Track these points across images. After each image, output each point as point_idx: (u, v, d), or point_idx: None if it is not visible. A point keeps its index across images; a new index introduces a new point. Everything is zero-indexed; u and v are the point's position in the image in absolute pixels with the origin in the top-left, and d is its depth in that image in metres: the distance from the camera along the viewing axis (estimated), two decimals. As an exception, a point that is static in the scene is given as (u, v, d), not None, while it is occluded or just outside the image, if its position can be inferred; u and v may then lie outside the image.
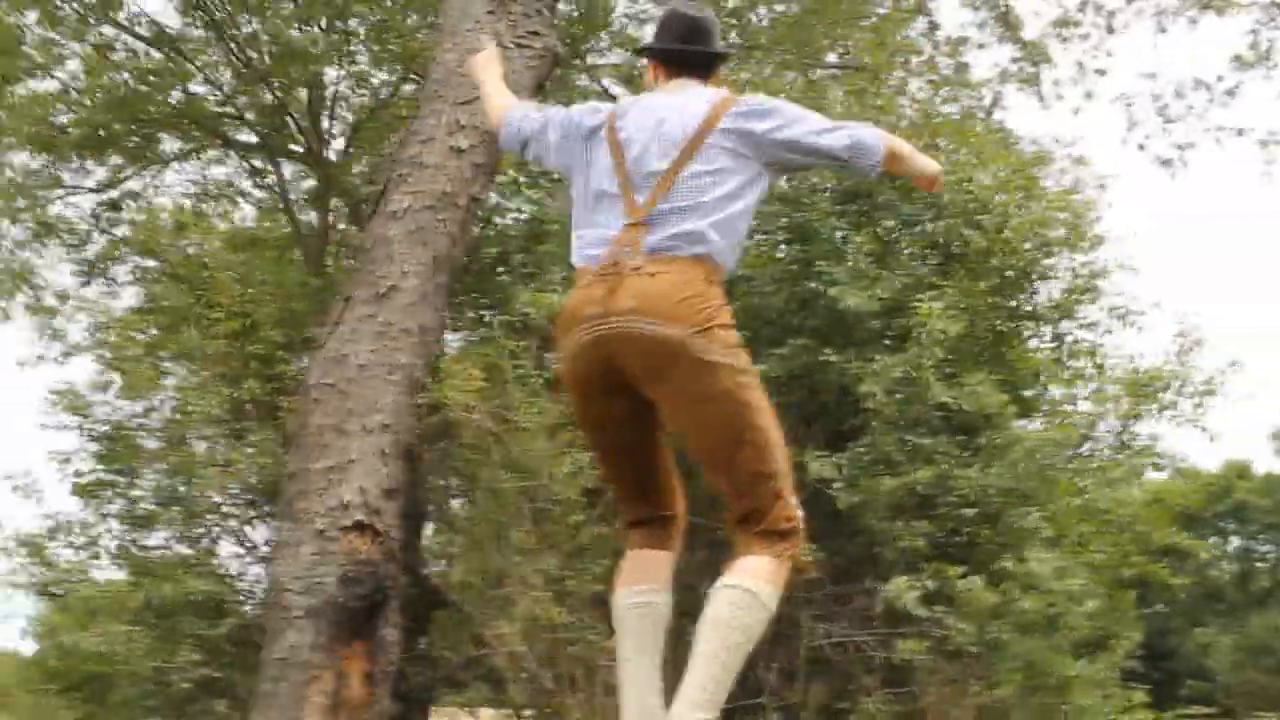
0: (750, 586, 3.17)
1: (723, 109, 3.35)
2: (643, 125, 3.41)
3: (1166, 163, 13.78)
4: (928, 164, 3.54)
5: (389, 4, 11.18)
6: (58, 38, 11.13)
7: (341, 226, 11.82)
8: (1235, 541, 32.72)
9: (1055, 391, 8.25)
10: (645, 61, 3.74)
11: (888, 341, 7.42)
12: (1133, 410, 7.83)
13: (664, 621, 3.41)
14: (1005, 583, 6.45)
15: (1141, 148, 13.67)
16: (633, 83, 12.33)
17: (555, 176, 10.53)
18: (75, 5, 10.95)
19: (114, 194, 11.60)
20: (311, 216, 11.77)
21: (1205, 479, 31.02)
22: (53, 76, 11.38)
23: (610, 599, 3.49)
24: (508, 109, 3.92)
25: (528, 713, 6.86)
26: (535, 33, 8.58)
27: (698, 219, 3.21)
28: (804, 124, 3.35)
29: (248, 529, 8.46)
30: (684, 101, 3.48)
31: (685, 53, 3.57)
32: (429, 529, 8.71)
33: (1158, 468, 8.06)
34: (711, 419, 3.15)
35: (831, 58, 13.80)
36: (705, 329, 3.10)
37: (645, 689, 3.41)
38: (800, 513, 3.28)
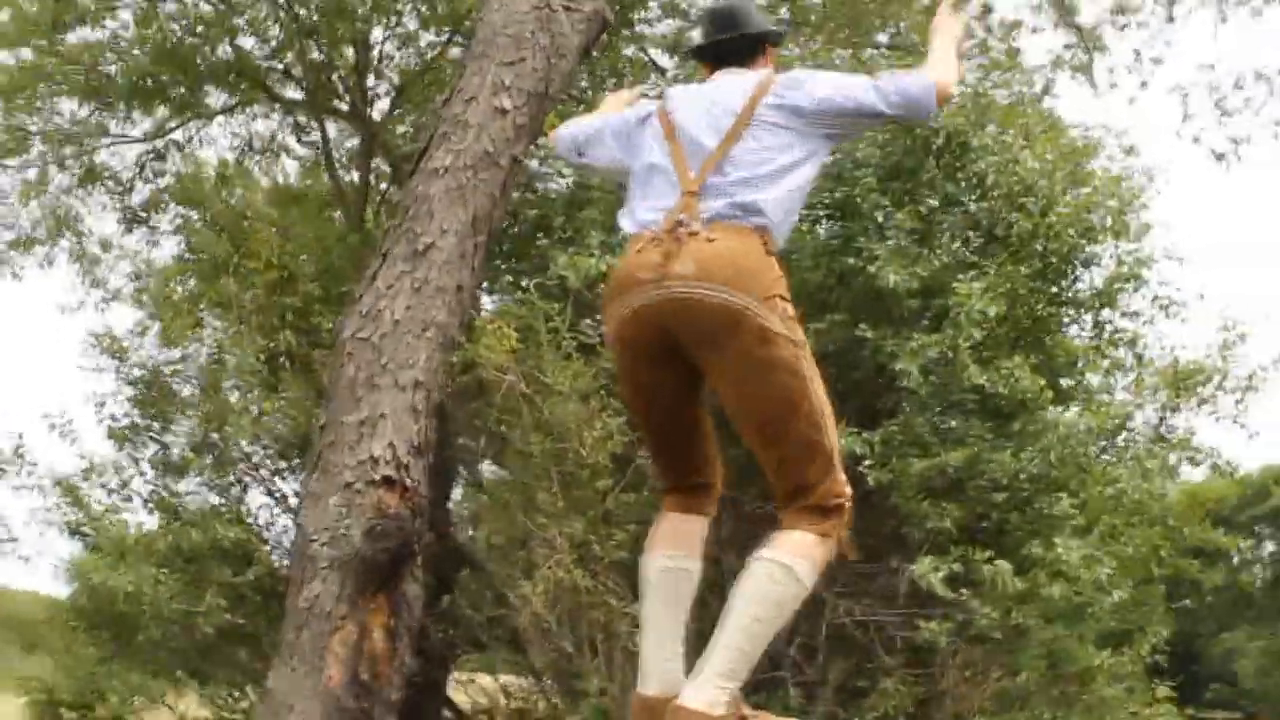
0: (787, 561, 3.13)
1: (766, 87, 3.37)
2: (694, 106, 3.44)
3: (1220, 156, 13.59)
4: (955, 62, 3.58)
5: (439, -36, 11.17)
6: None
7: (383, 186, 11.85)
8: (1270, 546, 32.25)
9: (1093, 379, 8.13)
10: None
11: (925, 321, 7.35)
12: (1171, 402, 7.74)
13: (691, 588, 3.40)
14: (1033, 569, 6.38)
15: (1196, 140, 13.49)
16: (679, 52, 12.26)
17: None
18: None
19: (159, 144, 11.70)
20: (354, 175, 11.81)
21: (1242, 480, 30.47)
22: (103, 26, 11.45)
23: (639, 562, 3.48)
24: (568, 122, 3.97)
25: (547, 676, 6.87)
26: (584, -4, 8.59)
27: (753, 192, 3.19)
28: (845, 87, 3.35)
29: (278, 479, 8.51)
30: (731, 84, 3.49)
31: (720, 44, 3.59)
32: (458, 490, 8.72)
33: (1194, 463, 7.97)
34: (769, 388, 3.11)
35: (882, 37, 13.69)
36: (767, 298, 3.07)
37: (667, 653, 3.39)
38: (849, 490, 3.24)
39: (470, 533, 8.00)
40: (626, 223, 3.40)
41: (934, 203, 7.76)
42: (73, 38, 11.44)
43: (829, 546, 3.20)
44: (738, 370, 3.13)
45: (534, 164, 9.95)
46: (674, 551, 3.41)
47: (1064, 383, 7.95)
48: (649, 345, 3.24)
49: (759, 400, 3.14)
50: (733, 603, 3.20)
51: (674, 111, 3.48)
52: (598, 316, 8.18)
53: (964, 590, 6.28)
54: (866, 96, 3.30)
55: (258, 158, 12.02)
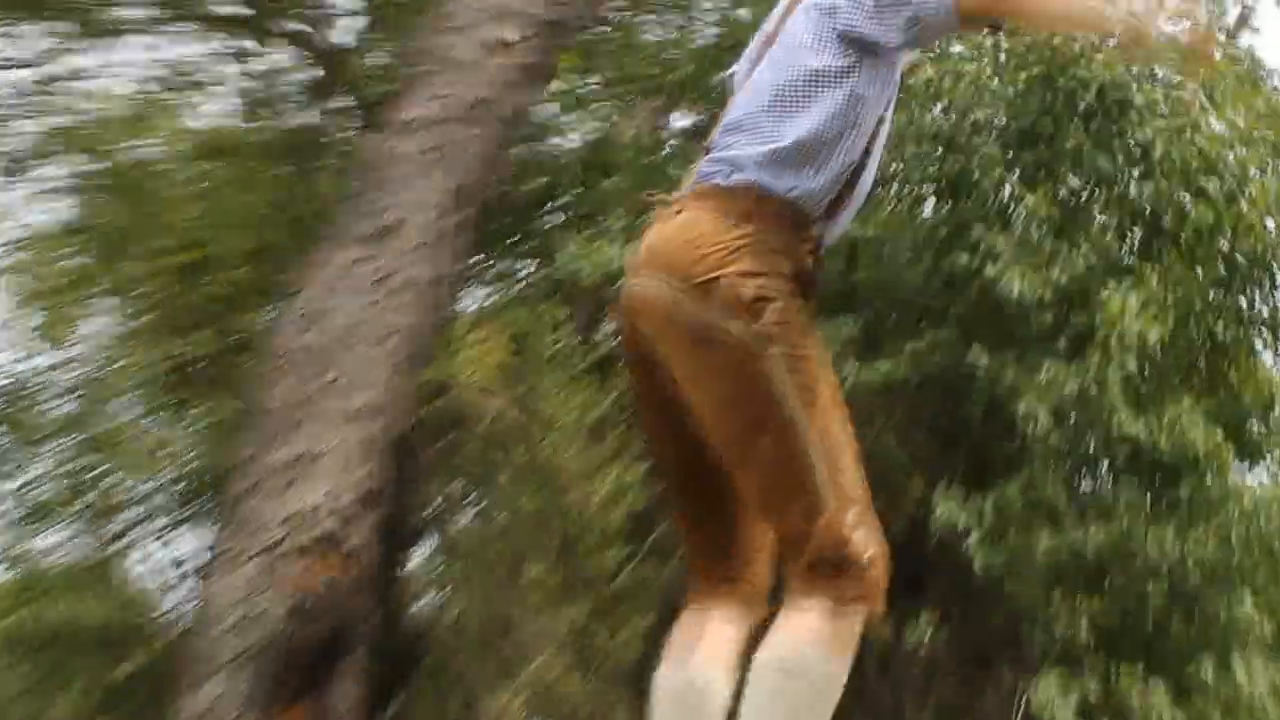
0: (794, 659, 3.02)
1: None
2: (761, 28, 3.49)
3: None
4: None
5: None
6: None
7: (345, 134, 11.84)
8: None
9: (1294, 430, 7.94)
10: None
11: (1061, 345, 7.21)
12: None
13: (719, 716, 3.22)
14: (1199, 697, 6.23)
15: None
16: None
17: (628, 89, 10.48)
18: None
19: (52, 70, 11.72)
20: (307, 118, 11.81)
21: None
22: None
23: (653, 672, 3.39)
24: None
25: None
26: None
27: (750, 136, 3.21)
28: None
29: (175, 534, 8.50)
30: None
31: None
32: (421, 554, 8.67)
33: None
34: (715, 400, 3.11)
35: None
36: (705, 280, 3.06)
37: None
38: (868, 540, 3.07)
39: (435, 612, 7.93)
40: None
41: (1078, 182, 7.63)
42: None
43: (855, 617, 3.04)
44: (683, 376, 3.14)
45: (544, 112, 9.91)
46: (695, 662, 3.26)
47: (1253, 433, 7.73)
48: (637, 361, 3.29)
49: (707, 414, 3.13)
50: None
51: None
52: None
53: (1103, 721, 6.16)
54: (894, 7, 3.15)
55: (180, 93, 12.03)
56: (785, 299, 3.08)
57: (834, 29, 3.21)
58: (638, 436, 7.01)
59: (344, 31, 11.98)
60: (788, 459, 3.06)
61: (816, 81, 3.21)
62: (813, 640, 3.00)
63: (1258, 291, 7.93)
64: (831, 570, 3.02)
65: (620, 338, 3.37)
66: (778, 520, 3.12)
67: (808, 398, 3.08)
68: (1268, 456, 7.90)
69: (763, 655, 3.05)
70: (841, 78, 3.22)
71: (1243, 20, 13.29)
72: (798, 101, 3.21)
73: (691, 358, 3.10)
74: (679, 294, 3.07)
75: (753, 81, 3.32)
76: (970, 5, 3.11)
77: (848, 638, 3.04)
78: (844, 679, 3.02)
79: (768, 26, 3.45)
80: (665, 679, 3.33)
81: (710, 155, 3.26)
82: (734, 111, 3.31)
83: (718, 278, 3.05)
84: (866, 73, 3.29)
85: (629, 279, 3.23)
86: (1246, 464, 7.83)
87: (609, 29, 10.85)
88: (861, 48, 3.25)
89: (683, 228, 3.14)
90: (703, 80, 10.19)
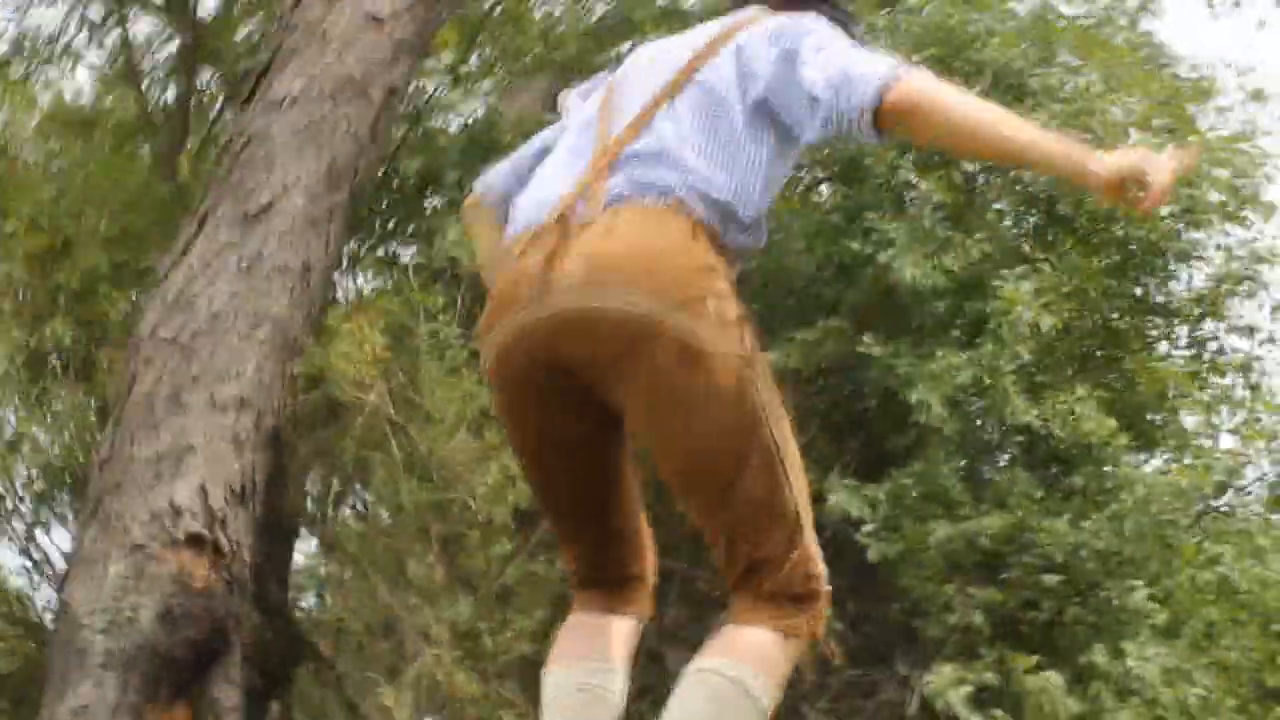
0: (736, 673, 3.07)
1: (741, 26, 3.30)
2: (641, 59, 3.46)
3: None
4: (1052, 147, 2.89)
5: None
6: None
7: (211, 114, 11.77)
8: None
9: (1188, 419, 8.22)
10: None
11: (955, 333, 7.47)
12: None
13: (614, 713, 3.33)
14: (1095, 683, 6.48)
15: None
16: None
17: (513, 67, 10.55)
18: None
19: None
20: (169, 95, 11.73)
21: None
22: None
23: (542, 672, 3.46)
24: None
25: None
26: None
27: (674, 166, 3.14)
28: (816, 53, 3.14)
29: (37, 533, 8.44)
30: (705, 28, 3.44)
31: None
32: (299, 554, 8.69)
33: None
34: (701, 429, 3.06)
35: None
36: (693, 300, 3.01)
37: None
38: (824, 570, 3.21)
39: (314, 614, 7.95)
40: (509, 230, 3.37)
41: (973, 167, 7.84)
42: None
43: (797, 648, 3.13)
44: (654, 405, 3.09)
45: (421, 88, 9.94)
46: (587, 663, 3.35)
47: (1147, 422, 8.06)
48: (542, 385, 3.20)
49: (688, 447, 3.10)
50: None
51: (621, 71, 3.48)
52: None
53: (998, 711, 6.36)
54: (811, 70, 3.11)
55: (29, 64, 11.89)
56: (750, 322, 3.10)
57: (755, 98, 3.20)
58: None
59: (211, 1, 11.93)
60: (771, 488, 3.07)
61: (743, 144, 3.17)
62: (762, 661, 3.06)
63: (1151, 280, 8.22)
64: (791, 601, 3.08)
65: (505, 367, 3.22)
66: (749, 550, 3.10)
67: (782, 421, 3.12)
68: (1162, 445, 8.22)
69: (709, 662, 3.09)
70: (761, 145, 3.19)
71: (1143, 4, 13.68)
72: (729, 157, 3.17)
73: (676, 379, 3.02)
74: (669, 310, 2.99)
75: (669, 113, 3.22)
76: (891, 119, 2.96)
77: (791, 661, 3.12)
78: (774, 701, 3.08)
79: (680, 53, 3.37)
80: (556, 680, 3.45)
81: (620, 176, 3.16)
82: (645, 139, 3.21)
83: (704, 296, 3.01)
84: (781, 147, 3.37)
85: (550, 297, 3.08)
86: (1142, 457, 8.15)
87: (492, 4, 10.94)
88: (775, 124, 3.34)
89: (637, 243, 3.06)
90: (590, 59, 10.25)
